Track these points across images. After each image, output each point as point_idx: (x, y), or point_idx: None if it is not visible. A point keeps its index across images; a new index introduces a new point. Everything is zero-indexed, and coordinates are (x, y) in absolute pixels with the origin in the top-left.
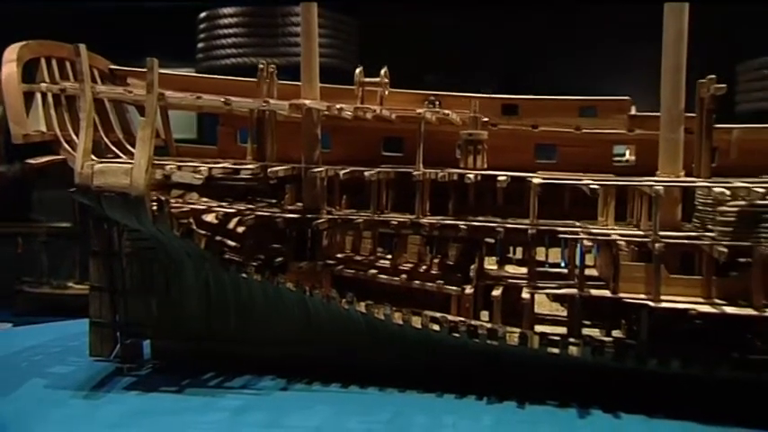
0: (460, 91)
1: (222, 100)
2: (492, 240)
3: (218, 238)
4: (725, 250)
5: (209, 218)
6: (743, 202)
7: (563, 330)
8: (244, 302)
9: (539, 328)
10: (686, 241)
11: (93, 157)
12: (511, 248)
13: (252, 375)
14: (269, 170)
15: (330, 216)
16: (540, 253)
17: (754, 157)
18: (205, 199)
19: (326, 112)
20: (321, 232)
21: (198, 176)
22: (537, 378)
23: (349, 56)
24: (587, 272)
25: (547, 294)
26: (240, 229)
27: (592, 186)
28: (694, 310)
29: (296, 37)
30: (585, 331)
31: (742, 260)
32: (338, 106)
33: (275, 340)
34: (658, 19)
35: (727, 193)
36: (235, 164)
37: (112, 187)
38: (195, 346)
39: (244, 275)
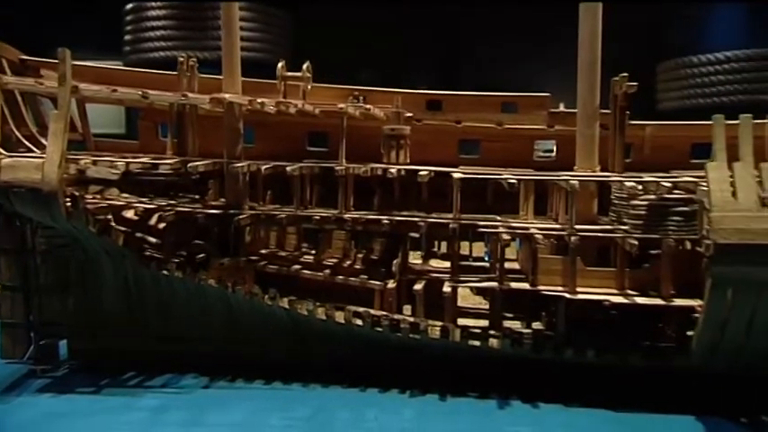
0: (395, 87)
1: (139, 93)
2: (417, 235)
3: (138, 234)
4: (635, 243)
5: (130, 214)
6: (653, 197)
7: (486, 323)
8: (165, 300)
9: (462, 322)
10: (600, 234)
11: (2, 151)
12: (436, 243)
13: (173, 374)
14: (189, 165)
15: (253, 212)
16: (465, 247)
17: (667, 153)
18: (125, 195)
19: (248, 107)
20: (244, 228)
21: (114, 172)
22: (461, 371)
23: (282, 50)
24: (510, 265)
25: (470, 288)
26: (161, 226)
27: (510, 181)
28: (608, 301)
29: None
30: (507, 324)
31: (654, 252)
32: (260, 101)
33: (197, 338)
34: None
35: (639, 187)
36: (154, 159)
37: (23, 183)
38: (114, 346)
39: (164, 272)
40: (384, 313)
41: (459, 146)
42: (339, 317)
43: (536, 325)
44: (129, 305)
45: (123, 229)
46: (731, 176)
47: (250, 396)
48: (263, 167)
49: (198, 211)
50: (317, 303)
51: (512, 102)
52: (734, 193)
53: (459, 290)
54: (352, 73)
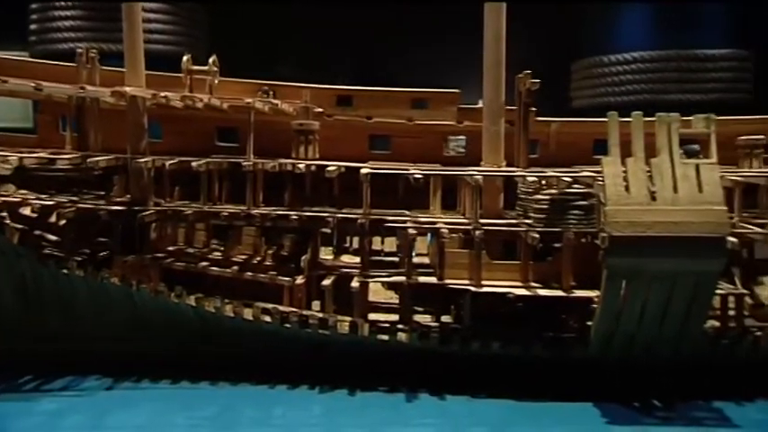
0: (313, 82)
1: (32, 85)
2: (328, 231)
3: (36, 232)
4: (537, 236)
5: (27, 211)
6: (554, 191)
7: (396, 318)
8: (65, 299)
9: (373, 317)
10: (504, 228)
11: None
12: (348, 238)
13: (74, 376)
14: (89, 160)
15: (158, 208)
16: (377, 242)
17: (571, 149)
18: (23, 191)
19: (152, 101)
20: (149, 225)
21: (6, 167)
22: (374, 366)
23: (198, 44)
24: (421, 260)
25: (382, 283)
26: (61, 223)
27: (416, 176)
28: (511, 293)
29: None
30: (418, 318)
31: (557, 245)
32: (163, 94)
33: (100, 337)
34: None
35: (543, 182)
36: (52, 153)
37: None
38: (10, 347)
39: (64, 271)
40: (293, 309)
41: (369, 141)
42: (247, 314)
43: (445, 318)
44: (27, 305)
45: (19, 226)
46: (624, 171)
47: (155, 396)
48: (168, 163)
49: (100, 207)
50: (226, 300)
51: (422, 98)
52: (627, 188)
53: (372, 285)
54: (271, 67)
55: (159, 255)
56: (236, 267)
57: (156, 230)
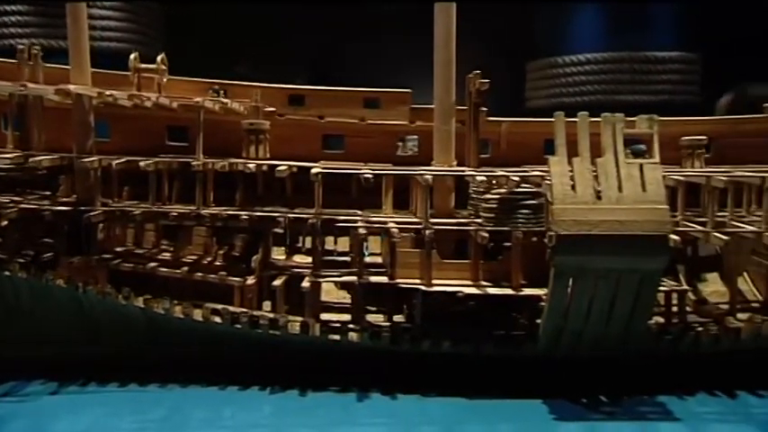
0: (271, 82)
1: None
2: (281, 231)
3: None
4: (486, 235)
5: None
6: (503, 190)
7: (349, 317)
8: (7, 301)
9: (326, 316)
10: (454, 228)
11: None
12: (301, 238)
13: (17, 381)
14: (31, 160)
15: (105, 208)
16: (331, 242)
17: (522, 148)
18: None
19: (98, 99)
20: (95, 225)
21: None
22: (326, 366)
23: (154, 43)
24: (375, 260)
25: (335, 283)
26: (3, 224)
27: (366, 176)
28: (461, 292)
29: (93, 20)
30: (371, 317)
31: (508, 244)
32: (110, 92)
33: (45, 341)
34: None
35: (493, 182)
36: None
37: None
38: None
39: (6, 273)
40: (243, 310)
41: (323, 141)
42: (197, 315)
43: (398, 318)
44: None
45: None
46: (571, 171)
47: (102, 400)
48: (115, 162)
49: (44, 207)
50: (175, 302)
51: (374, 98)
52: (573, 187)
53: (325, 285)
54: (229, 67)
55: (107, 256)
56: (185, 268)
57: (103, 231)
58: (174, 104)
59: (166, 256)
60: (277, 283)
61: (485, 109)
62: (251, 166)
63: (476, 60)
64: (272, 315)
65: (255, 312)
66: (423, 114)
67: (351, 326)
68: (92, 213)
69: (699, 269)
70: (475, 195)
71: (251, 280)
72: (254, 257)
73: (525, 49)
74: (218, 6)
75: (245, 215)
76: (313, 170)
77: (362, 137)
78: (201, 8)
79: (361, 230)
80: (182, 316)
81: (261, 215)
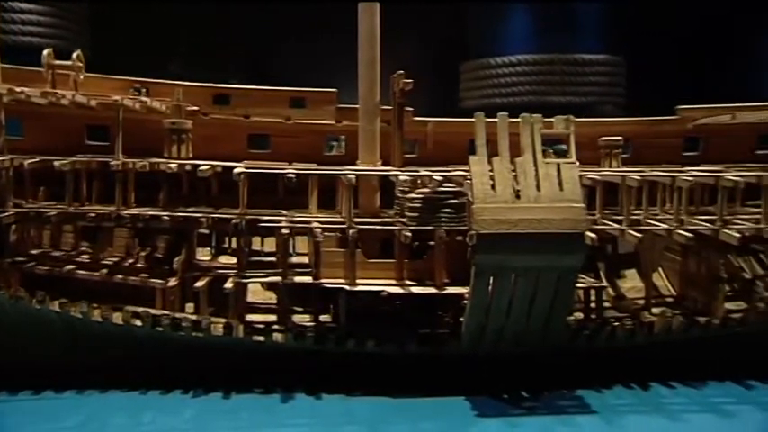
0: (206, 81)
1: None
2: (206, 231)
3: None
4: (409, 234)
5: None
6: (427, 190)
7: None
8: None
9: (252, 317)
10: (377, 227)
11: None
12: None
13: None
14: None
15: (18, 209)
16: (258, 242)
17: (448, 148)
18: None
19: (9, 96)
20: (8, 227)
21: None
22: (251, 367)
23: (76, 38)
24: (302, 260)
25: (261, 283)
26: None
27: (288, 176)
28: (385, 291)
29: (13, 13)
30: (298, 317)
31: (432, 243)
32: (21, 89)
33: None
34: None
35: (419, 181)
36: None
37: None
38: None
39: None
40: (165, 312)
41: (248, 140)
42: (116, 318)
43: (324, 318)
44: None
45: None
46: (491, 170)
47: (13, 409)
48: (27, 162)
49: None
50: (93, 305)
51: (300, 97)
52: (493, 186)
53: (252, 286)
54: (162, 65)
55: (20, 258)
56: (104, 270)
57: (16, 233)
58: (93, 103)
59: (85, 258)
60: (199, 284)
61: (410, 109)
62: (172, 165)
63: (412, 61)
64: (194, 317)
65: (177, 314)
66: (349, 114)
67: (276, 326)
68: (3, 215)
69: (618, 266)
70: (400, 195)
71: (173, 281)
72: (177, 258)
73: (460, 50)
74: (149, 4)
75: (167, 216)
76: (235, 170)
77: (288, 137)
78: (132, 5)
79: (285, 230)
80: (100, 320)
81: (183, 216)
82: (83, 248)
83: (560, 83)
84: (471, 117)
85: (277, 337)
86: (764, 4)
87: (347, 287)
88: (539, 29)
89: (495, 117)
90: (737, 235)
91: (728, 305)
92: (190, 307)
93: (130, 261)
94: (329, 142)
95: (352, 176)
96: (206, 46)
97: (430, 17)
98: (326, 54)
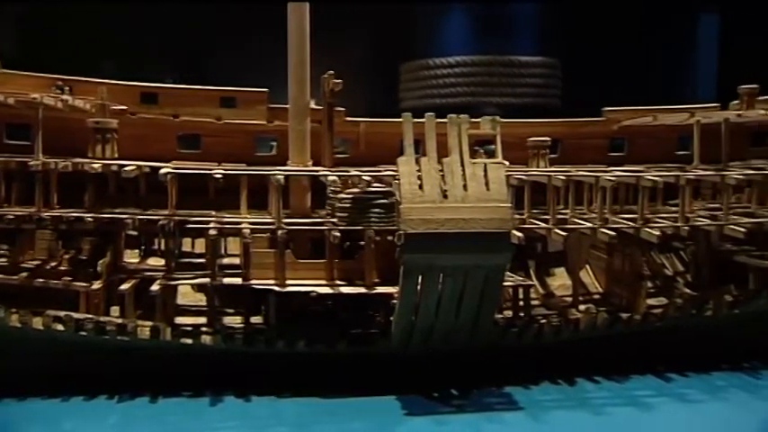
0: (141, 80)
1: None
2: (135, 233)
3: None
4: (338, 234)
5: None
6: (357, 190)
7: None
8: None
9: (182, 320)
10: (306, 228)
11: None
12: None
13: None
14: None
15: None
16: (189, 244)
17: (380, 148)
18: None
19: None
20: None
21: None
22: (181, 371)
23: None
24: (233, 261)
25: (191, 285)
26: None
27: (216, 176)
28: (315, 292)
29: None
30: (229, 319)
31: (362, 243)
32: None
33: None
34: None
35: (349, 181)
36: None
37: None
38: None
39: None
40: (89, 316)
41: (178, 140)
42: (37, 323)
43: (255, 319)
44: None
45: None
46: (419, 170)
47: None
48: None
49: None
50: (12, 310)
51: (230, 97)
52: (421, 186)
53: (183, 288)
54: (96, 63)
55: None
56: (24, 274)
57: None
58: (11, 100)
59: (3, 261)
60: (125, 287)
61: (342, 109)
62: (96, 166)
63: (355, 61)
64: (120, 320)
65: (102, 318)
66: (281, 114)
67: (205, 329)
68: None
69: (548, 264)
70: (332, 195)
71: (97, 284)
72: (102, 261)
73: (400, 50)
74: (79, 2)
75: (91, 217)
76: (162, 170)
77: (219, 136)
78: (63, 4)
79: (213, 231)
80: (19, 325)
81: (109, 217)
82: (1, 251)
83: (498, 84)
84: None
85: (206, 339)
86: (693, 9)
87: (277, 288)
88: (477, 31)
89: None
90: (657, 233)
91: (651, 301)
92: (116, 310)
93: (53, 264)
94: (269, 142)
95: (281, 177)
96: (141, 45)
97: (373, 18)
98: (265, 54)
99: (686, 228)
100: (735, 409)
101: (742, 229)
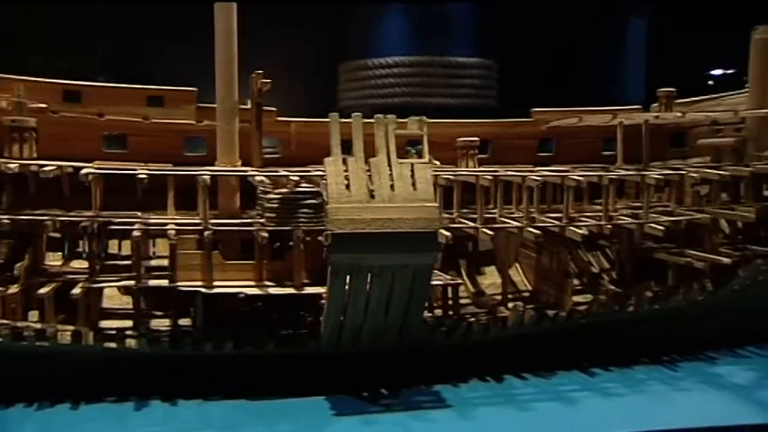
0: (71, 77)
1: None
2: (58, 235)
3: None
4: (266, 235)
5: None
6: (285, 190)
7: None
8: None
9: (108, 324)
10: (233, 228)
11: None
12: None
13: None
14: None
15: None
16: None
17: (312, 148)
18: None
19: None
20: None
21: None
22: (106, 376)
23: None
24: (162, 262)
25: (118, 288)
26: None
27: (140, 176)
28: (243, 293)
29: None
30: (157, 322)
31: (292, 243)
32: None
33: None
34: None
35: (267, 181)
36: None
37: None
38: None
39: None
40: (5, 321)
41: (104, 140)
42: None
43: (184, 322)
44: None
45: None
46: (346, 170)
47: None
48: None
49: None
50: None
51: (157, 96)
52: (348, 186)
53: (108, 291)
54: (23, 57)
55: None
56: None
57: None
58: None
59: None
60: (44, 290)
61: (273, 109)
62: (12, 166)
63: (295, 61)
64: (39, 325)
65: (19, 323)
66: (210, 114)
67: (130, 332)
68: None
69: (479, 263)
70: (262, 195)
71: (14, 288)
72: (19, 264)
73: (340, 51)
74: None
75: (7, 219)
76: (83, 171)
77: (146, 136)
78: None
79: (137, 233)
80: None
81: (27, 218)
82: None
83: (436, 84)
84: (348, 118)
85: (130, 342)
86: (623, 14)
87: (204, 290)
88: (415, 31)
89: (372, 118)
90: (582, 232)
91: (577, 298)
92: (35, 315)
93: None
94: (204, 142)
95: (207, 177)
96: (70, 42)
97: (313, 17)
98: (202, 54)
99: (609, 226)
100: (653, 401)
101: (661, 227)
